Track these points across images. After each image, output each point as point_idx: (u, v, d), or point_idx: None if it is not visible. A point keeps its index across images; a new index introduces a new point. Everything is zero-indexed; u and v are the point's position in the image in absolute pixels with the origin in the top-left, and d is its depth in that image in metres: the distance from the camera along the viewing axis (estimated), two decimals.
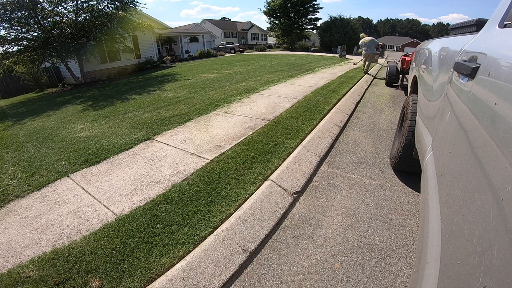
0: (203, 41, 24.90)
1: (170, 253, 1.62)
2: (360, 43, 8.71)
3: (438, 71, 1.61)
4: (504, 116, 0.61)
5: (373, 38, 8.52)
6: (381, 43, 8.88)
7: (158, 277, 1.49)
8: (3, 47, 10.47)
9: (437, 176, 1.03)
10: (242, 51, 26.88)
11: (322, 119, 3.95)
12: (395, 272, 1.51)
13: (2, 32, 10.16)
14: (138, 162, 2.90)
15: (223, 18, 59.15)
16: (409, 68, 5.02)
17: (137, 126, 4.18)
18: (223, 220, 1.90)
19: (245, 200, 2.11)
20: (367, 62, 8.64)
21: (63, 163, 3.02)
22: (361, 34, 9.16)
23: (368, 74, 8.51)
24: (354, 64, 11.15)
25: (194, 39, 25.09)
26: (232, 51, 26.72)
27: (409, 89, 3.05)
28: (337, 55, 17.43)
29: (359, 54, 14.18)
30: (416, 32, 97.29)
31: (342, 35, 23.89)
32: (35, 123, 5.48)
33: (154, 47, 17.88)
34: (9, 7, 9.62)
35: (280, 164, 2.63)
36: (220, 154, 2.88)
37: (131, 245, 1.69)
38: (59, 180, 2.65)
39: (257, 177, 2.40)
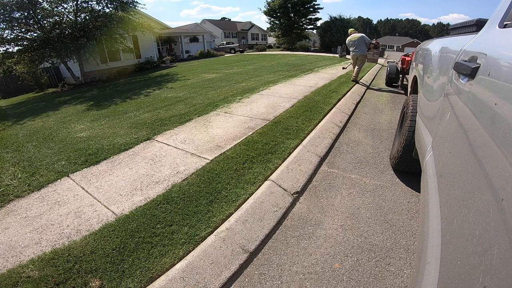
0: (203, 41, 24.91)
1: (170, 253, 1.62)
2: (347, 41, 6.77)
3: (438, 71, 1.61)
4: (504, 116, 0.61)
5: (363, 34, 6.60)
6: (374, 41, 7.01)
7: (158, 277, 1.49)
8: (3, 47, 10.49)
9: (437, 176, 1.03)
10: (242, 51, 26.88)
11: (322, 119, 3.95)
12: (395, 272, 1.51)
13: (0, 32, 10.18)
14: (138, 162, 2.90)
15: (223, 18, 59.17)
16: (409, 68, 5.01)
17: (137, 126, 4.18)
18: (223, 220, 1.90)
19: (245, 200, 2.11)
20: (356, 67, 6.67)
21: (63, 163, 3.02)
22: (349, 30, 7.05)
23: (359, 83, 6.74)
24: (343, 68, 8.97)
25: (194, 39, 25.09)
26: (232, 51, 26.73)
27: (409, 89, 3.05)
28: (337, 55, 17.43)
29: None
30: (416, 32, 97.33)
31: (342, 35, 23.86)
32: (35, 123, 5.48)
33: (154, 47, 17.88)
34: (8, 8, 9.62)
35: (280, 164, 2.63)
36: (220, 154, 2.88)
37: (131, 245, 1.69)
38: (59, 180, 2.65)
39: (257, 177, 2.40)
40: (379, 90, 6.52)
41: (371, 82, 7.50)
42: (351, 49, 6.71)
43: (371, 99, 5.59)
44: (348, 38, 6.78)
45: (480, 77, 0.84)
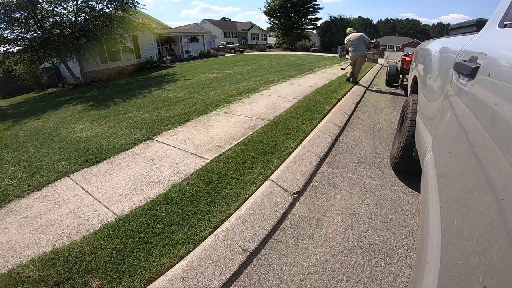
0: (203, 41, 24.92)
1: (170, 253, 1.62)
2: (345, 41, 6.51)
3: (438, 71, 1.61)
4: (504, 116, 0.61)
5: (362, 34, 6.33)
6: (373, 41, 6.60)
7: (158, 277, 1.49)
8: (4, 47, 10.50)
9: (437, 176, 1.03)
10: (242, 51, 26.89)
11: (322, 119, 3.95)
12: (395, 272, 1.51)
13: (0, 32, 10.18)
14: (138, 162, 2.90)
15: (223, 18, 59.18)
16: (409, 68, 5.01)
17: (137, 126, 4.18)
18: (223, 220, 1.90)
19: (245, 200, 2.11)
20: (355, 68, 6.53)
21: (63, 163, 3.02)
22: (348, 29, 6.77)
23: (358, 84, 6.61)
24: (342, 69, 8.74)
25: (194, 39, 25.10)
26: (232, 51, 26.73)
27: (409, 89, 3.05)
28: (337, 55, 17.45)
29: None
30: (416, 32, 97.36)
31: (342, 35, 23.78)
32: (35, 123, 5.48)
33: (154, 47, 17.89)
34: (8, 8, 9.62)
35: (280, 164, 2.63)
36: (220, 154, 2.88)
37: (131, 245, 1.69)
38: (59, 180, 2.65)
39: (257, 177, 2.40)
40: (379, 90, 6.52)
41: (371, 82, 7.49)
42: (350, 49, 6.42)
43: (371, 99, 5.59)
44: (347, 37, 6.48)
45: (480, 77, 0.84)
